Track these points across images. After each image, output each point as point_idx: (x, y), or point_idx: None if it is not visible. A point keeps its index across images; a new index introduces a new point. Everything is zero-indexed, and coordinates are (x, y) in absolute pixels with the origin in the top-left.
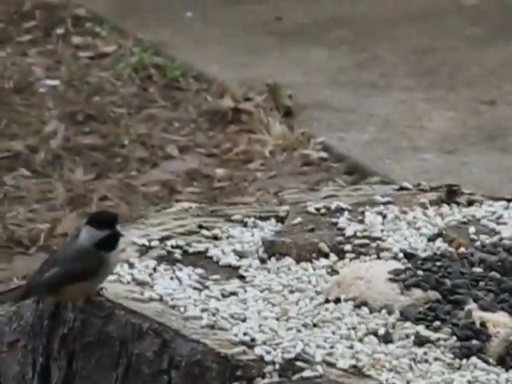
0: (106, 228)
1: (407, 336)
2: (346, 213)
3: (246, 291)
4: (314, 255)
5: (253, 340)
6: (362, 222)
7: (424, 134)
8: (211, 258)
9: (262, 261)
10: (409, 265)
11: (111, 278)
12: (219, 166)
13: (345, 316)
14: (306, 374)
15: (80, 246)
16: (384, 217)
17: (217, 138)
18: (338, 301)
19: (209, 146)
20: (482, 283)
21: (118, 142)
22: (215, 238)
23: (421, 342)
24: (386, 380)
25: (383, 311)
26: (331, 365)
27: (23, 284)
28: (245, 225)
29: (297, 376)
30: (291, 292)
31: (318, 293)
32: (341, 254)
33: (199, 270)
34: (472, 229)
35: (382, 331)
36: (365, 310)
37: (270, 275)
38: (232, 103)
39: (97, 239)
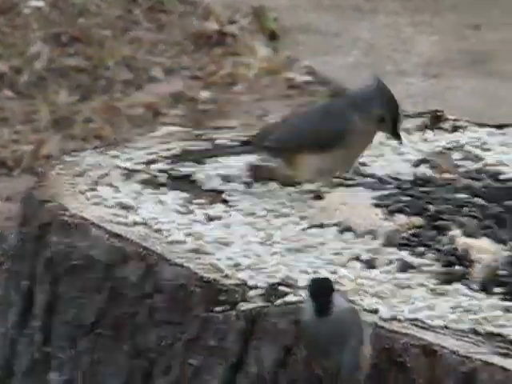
0: None
1: (391, 261)
2: None
3: (230, 216)
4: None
5: (236, 265)
6: None
7: (409, 58)
8: (196, 182)
9: (247, 185)
10: (393, 190)
11: (95, 200)
12: (204, 88)
13: (328, 241)
14: (290, 298)
15: None
16: None
17: (201, 60)
18: (321, 226)
19: (193, 69)
20: (465, 209)
21: (102, 64)
22: (200, 162)
23: (404, 267)
24: (369, 305)
25: (367, 236)
26: None
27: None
28: None
29: (280, 301)
30: (275, 217)
31: (302, 218)
32: None
33: (184, 194)
34: (456, 155)
35: (365, 256)
36: (349, 235)
37: (255, 200)
38: (217, 26)
39: None
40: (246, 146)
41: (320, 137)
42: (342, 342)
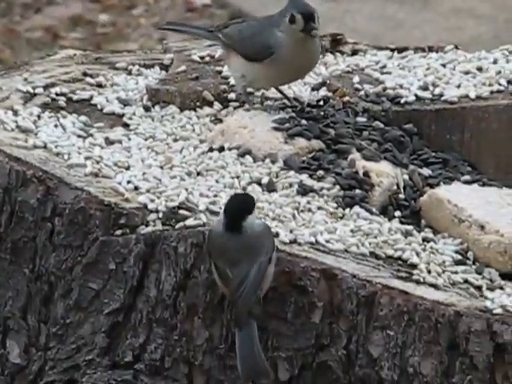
0: None
1: (290, 185)
2: None
3: (129, 139)
4: (198, 104)
5: (136, 188)
6: None
7: None
8: (95, 105)
9: (146, 109)
10: (293, 114)
11: None
12: (102, 11)
13: (228, 165)
14: (190, 222)
15: None
16: None
17: None
18: (221, 149)
19: None
20: (365, 133)
21: None
22: (99, 85)
23: (304, 191)
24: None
25: (267, 160)
26: (214, 213)
27: None
28: (129, 72)
29: (180, 224)
30: (175, 140)
31: (201, 141)
32: (225, 103)
33: (83, 118)
34: (356, 78)
35: (265, 180)
36: (248, 158)
37: (154, 123)
38: None
39: None
40: (208, 32)
41: (247, 49)
42: (252, 256)
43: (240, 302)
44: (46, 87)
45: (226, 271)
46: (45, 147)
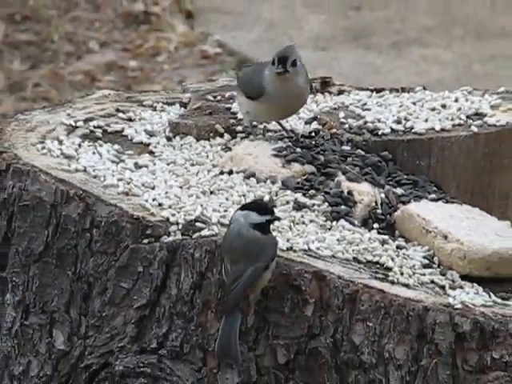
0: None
1: (287, 202)
2: None
3: (154, 164)
4: (211, 135)
5: (160, 204)
6: None
7: (302, 34)
8: (126, 136)
9: (168, 139)
10: (289, 143)
11: (43, 151)
12: (132, 58)
13: (236, 185)
14: (204, 232)
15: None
16: None
17: (130, 35)
18: (230, 173)
19: (124, 42)
20: (349, 159)
21: (49, 38)
22: (130, 119)
23: (299, 207)
24: None
25: (268, 181)
26: (225, 225)
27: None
28: (154, 109)
29: (196, 234)
30: (192, 165)
31: (214, 166)
32: (233, 134)
33: (116, 146)
34: (341, 114)
35: (267, 198)
36: (253, 180)
37: (175, 151)
38: (143, 7)
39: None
40: (233, 87)
41: (247, 89)
42: (251, 259)
43: (231, 295)
44: (85, 121)
45: (227, 266)
46: (84, 171)
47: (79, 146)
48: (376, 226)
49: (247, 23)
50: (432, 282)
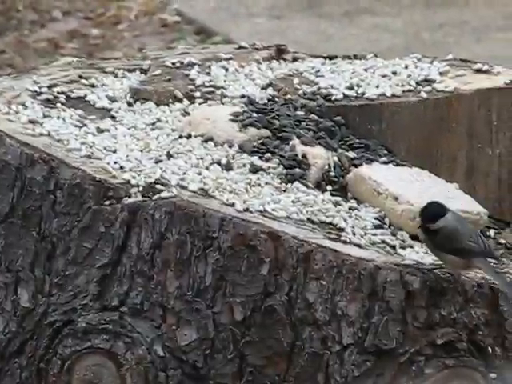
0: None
1: (244, 165)
2: (196, 66)
3: (116, 128)
4: (171, 100)
5: (121, 167)
6: (208, 74)
7: (257, 2)
8: (89, 101)
9: (129, 104)
10: (246, 108)
11: (8, 116)
12: (94, 26)
13: (194, 149)
14: (164, 194)
15: None
16: (226, 70)
17: (92, 4)
18: (189, 137)
19: (86, 11)
20: (303, 124)
21: (14, 7)
22: (92, 86)
23: (255, 169)
24: (227, 199)
25: (225, 145)
26: (184, 187)
27: None
28: (115, 75)
29: (156, 196)
30: (152, 129)
31: (173, 130)
32: (192, 100)
33: (79, 111)
34: (296, 80)
35: (224, 161)
36: (210, 144)
37: (136, 116)
38: None
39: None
40: None
41: None
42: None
43: None
44: (49, 87)
45: None
46: (49, 135)
47: (43, 111)
48: (329, 188)
49: None
50: (383, 241)
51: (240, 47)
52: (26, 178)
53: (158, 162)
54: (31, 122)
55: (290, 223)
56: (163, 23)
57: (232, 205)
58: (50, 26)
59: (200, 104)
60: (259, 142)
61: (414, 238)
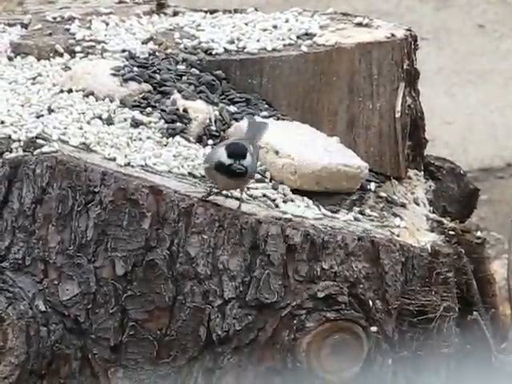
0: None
1: (125, 119)
2: (77, 21)
3: None
4: (52, 55)
5: (2, 122)
6: (89, 28)
7: None
8: None
9: (10, 59)
10: (127, 62)
11: None
12: None
13: (76, 103)
14: (45, 149)
15: None
16: (107, 24)
17: None
18: (70, 91)
19: None
20: (184, 78)
21: None
22: None
23: (136, 124)
24: (109, 154)
25: (106, 100)
26: (65, 142)
27: None
28: None
29: (38, 151)
30: (33, 84)
31: (54, 85)
32: (72, 54)
33: None
34: (177, 34)
35: (105, 115)
36: (92, 98)
37: (16, 70)
38: None
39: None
40: None
41: None
42: None
43: None
44: None
45: None
46: None
47: None
48: (210, 142)
49: None
50: (264, 195)
51: (120, 1)
52: None
53: (39, 116)
54: None
55: (171, 177)
56: None
57: (113, 159)
58: None
59: (81, 58)
60: (140, 96)
61: (295, 192)
